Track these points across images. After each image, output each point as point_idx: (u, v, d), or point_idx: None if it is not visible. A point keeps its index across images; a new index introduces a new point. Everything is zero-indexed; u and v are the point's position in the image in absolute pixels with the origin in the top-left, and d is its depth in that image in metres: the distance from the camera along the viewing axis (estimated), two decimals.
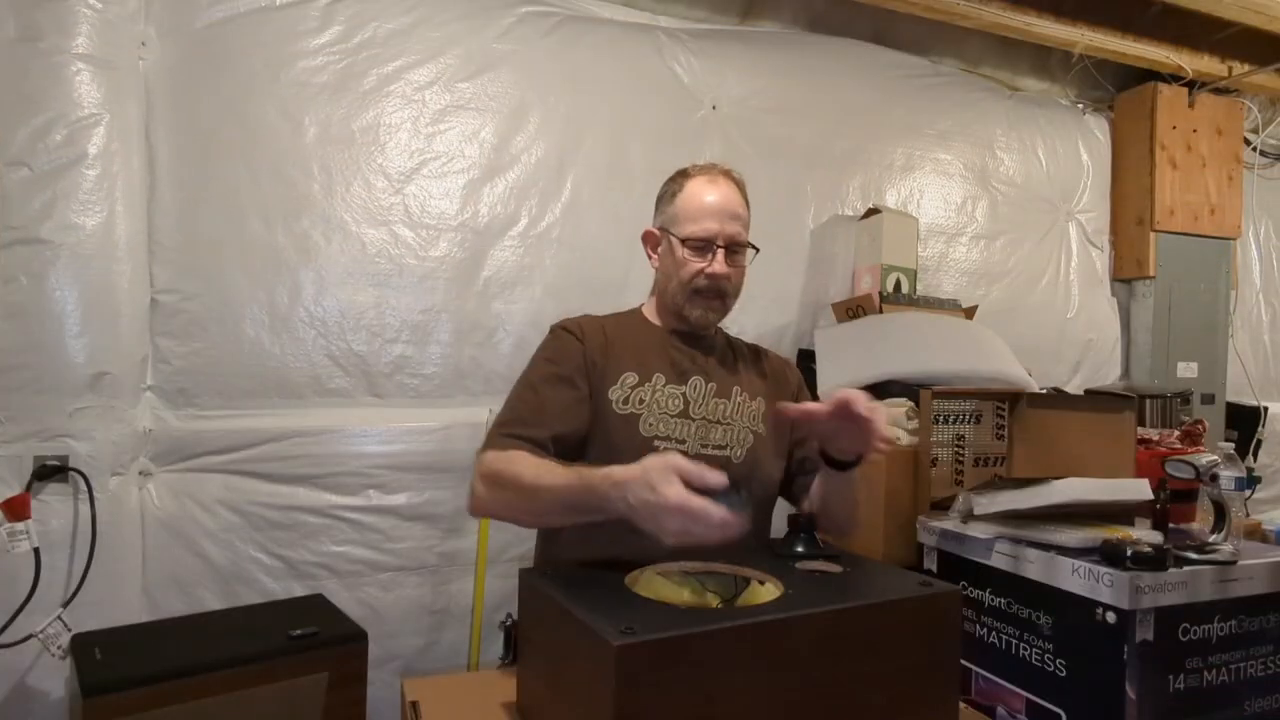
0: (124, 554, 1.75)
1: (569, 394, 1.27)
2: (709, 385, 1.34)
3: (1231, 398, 3.06)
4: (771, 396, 1.41)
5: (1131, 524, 1.36)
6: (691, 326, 1.38)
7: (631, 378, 1.30)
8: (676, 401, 1.30)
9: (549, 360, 1.31)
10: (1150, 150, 2.86)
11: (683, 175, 1.39)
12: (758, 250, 1.39)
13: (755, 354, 1.48)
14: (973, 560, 1.34)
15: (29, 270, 1.66)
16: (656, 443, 1.26)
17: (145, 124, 1.80)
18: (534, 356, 1.35)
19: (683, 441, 1.28)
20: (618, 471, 0.99)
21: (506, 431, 1.22)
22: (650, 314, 1.44)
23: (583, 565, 1.04)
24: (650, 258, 1.43)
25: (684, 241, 1.33)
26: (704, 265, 1.32)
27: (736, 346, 1.47)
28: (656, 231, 1.40)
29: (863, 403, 1.08)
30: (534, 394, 1.27)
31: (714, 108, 2.36)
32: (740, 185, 1.39)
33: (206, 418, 1.84)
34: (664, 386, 1.31)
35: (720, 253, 1.33)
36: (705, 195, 1.34)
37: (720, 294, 1.35)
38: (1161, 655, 1.12)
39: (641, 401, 1.28)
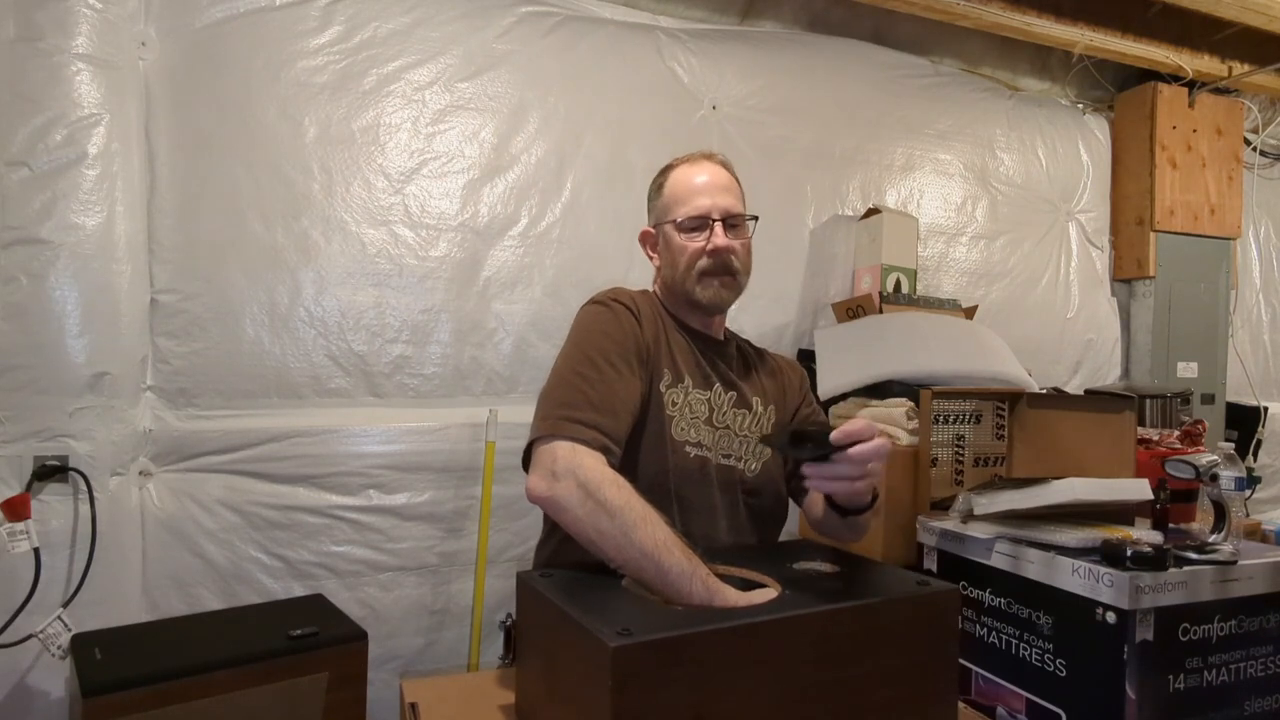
0: (124, 554, 1.75)
1: (632, 379, 1.16)
2: (729, 394, 1.31)
3: (1231, 398, 3.06)
4: (779, 403, 1.38)
5: (1131, 524, 1.36)
6: (705, 310, 1.32)
7: (668, 375, 1.24)
8: (703, 407, 1.26)
9: (608, 336, 1.18)
10: (1150, 150, 2.86)
11: (666, 169, 1.36)
12: (757, 219, 1.34)
13: (760, 356, 1.44)
14: (973, 560, 1.34)
15: (29, 270, 1.67)
16: (688, 448, 1.21)
17: (145, 124, 1.80)
18: (584, 328, 1.21)
19: (709, 449, 1.24)
20: (732, 596, 0.95)
21: (574, 416, 1.07)
22: None
23: (581, 567, 1.04)
24: (651, 258, 1.38)
25: (679, 225, 1.28)
26: (703, 243, 1.27)
27: (745, 350, 1.43)
28: (652, 229, 1.36)
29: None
30: (597, 373, 1.12)
31: (714, 108, 2.36)
32: (726, 165, 1.34)
33: (206, 418, 1.84)
34: (693, 390, 1.26)
35: (718, 225, 1.27)
36: (692, 178, 1.30)
37: (728, 269, 1.28)
38: (1161, 655, 1.12)
39: (674, 404, 1.23)
